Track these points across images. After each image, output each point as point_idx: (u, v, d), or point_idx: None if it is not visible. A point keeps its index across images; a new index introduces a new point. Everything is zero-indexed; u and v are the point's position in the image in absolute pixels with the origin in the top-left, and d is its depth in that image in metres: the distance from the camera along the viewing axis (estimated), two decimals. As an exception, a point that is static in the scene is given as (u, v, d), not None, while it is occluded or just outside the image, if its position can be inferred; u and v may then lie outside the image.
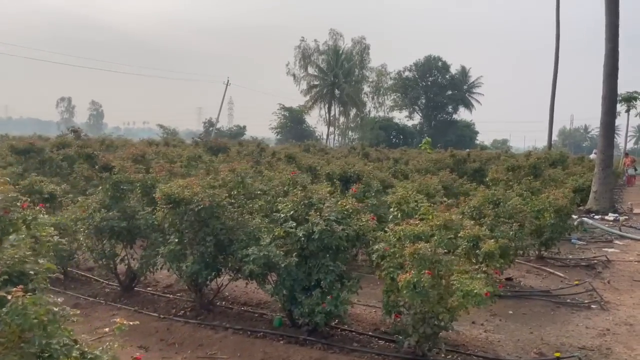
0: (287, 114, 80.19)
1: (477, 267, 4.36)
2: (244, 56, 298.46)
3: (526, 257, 9.25)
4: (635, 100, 29.60)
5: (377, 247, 4.64)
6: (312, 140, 46.57)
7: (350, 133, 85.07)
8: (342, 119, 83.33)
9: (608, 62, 15.40)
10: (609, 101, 15.59)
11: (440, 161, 18.20)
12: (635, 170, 28.08)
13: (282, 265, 4.77)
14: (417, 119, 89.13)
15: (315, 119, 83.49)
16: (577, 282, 7.40)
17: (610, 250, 10.39)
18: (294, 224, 4.96)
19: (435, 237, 4.51)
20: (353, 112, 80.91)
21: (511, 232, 6.79)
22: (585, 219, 13.30)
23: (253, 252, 4.83)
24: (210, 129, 67.35)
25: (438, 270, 4.25)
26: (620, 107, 30.81)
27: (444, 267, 4.26)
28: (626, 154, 31.27)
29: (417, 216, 5.04)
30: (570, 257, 9.66)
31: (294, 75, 76.32)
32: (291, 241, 4.95)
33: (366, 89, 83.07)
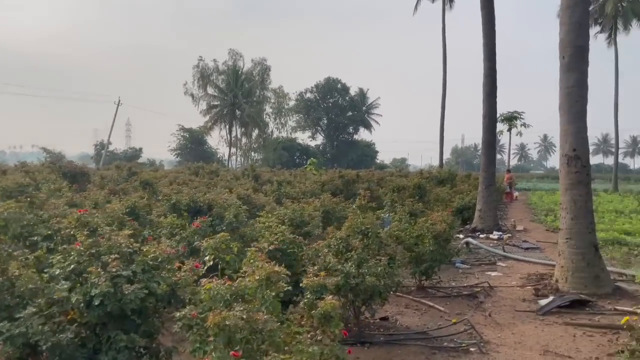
0: (187, 135, 77.36)
1: (311, 334, 3.25)
2: (142, 76, 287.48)
3: (407, 288, 8.46)
4: (516, 120, 31.14)
5: (181, 313, 3.38)
6: (213, 163, 44.59)
7: (253, 154, 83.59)
8: (244, 140, 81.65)
9: (487, 82, 15.53)
10: (489, 119, 15.70)
11: (329, 182, 17.45)
12: (510, 187, 29.44)
13: (48, 344, 3.36)
14: (319, 139, 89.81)
15: (217, 140, 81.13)
16: (454, 321, 6.61)
17: (493, 274, 9.92)
18: (67, 286, 3.58)
19: (258, 296, 3.35)
20: (255, 132, 79.66)
21: (380, 268, 5.87)
22: (470, 239, 12.98)
23: (6, 329, 3.38)
24: (102, 151, 62.99)
25: (257, 345, 3.08)
26: (503, 127, 32.37)
27: (267, 340, 3.10)
28: (507, 171, 32.82)
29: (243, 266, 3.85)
30: (454, 284, 9.01)
31: (192, 95, 73.75)
32: (64, 309, 3.56)
33: (268, 109, 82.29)
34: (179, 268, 4.19)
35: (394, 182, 17.20)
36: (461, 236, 14.31)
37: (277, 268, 3.40)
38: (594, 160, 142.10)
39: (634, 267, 10.36)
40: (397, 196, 13.88)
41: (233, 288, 3.38)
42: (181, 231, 6.16)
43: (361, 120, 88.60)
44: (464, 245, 12.46)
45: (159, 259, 3.90)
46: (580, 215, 8.29)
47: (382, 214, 11.79)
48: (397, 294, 7.92)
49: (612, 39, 39.07)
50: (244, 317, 3.08)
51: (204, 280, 3.53)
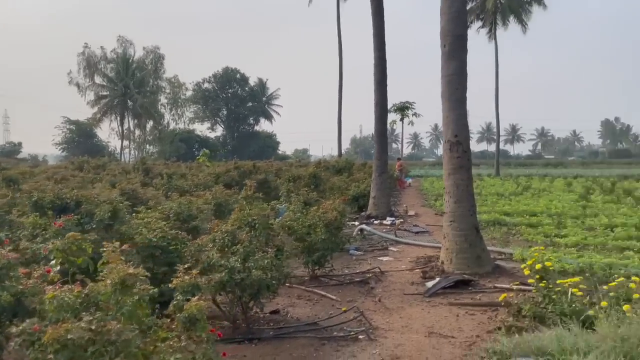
0: (74, 128, 72.12)
1: (174, 340, 2.93)
2: (23, 65, 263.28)
3: (300, 279, 8.34)
4: (407, 110, 32.39)
5: (19, 327, 2.89)
6: (103, 157, 41.73)
7: (148, 147, 79.70)
8: (137, 132, 77.60)
9: (377, 71, 15.85)
10: (381, 108, 16.06)
11: (224, 174, 16.94)
12: (401, 174, 30.86)
13: None
14: (219, 130, 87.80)
15: (108, 133, 76.56)
16: (344, 309, 6.56)
17: (385, 259, 10.12)
18: None
19: (112, 302, 2.96)
20: (150, 124, 76.02)
21: (266, 261, 5.64)
22: (364, 226, 13.20)
23: None
24: (-27, 147, 56.84)
25: (111, 358, 2.70)
26: (396, 116, 33.58)
27: (122, 351, 2.73)
28: (398, 159, 34.21)
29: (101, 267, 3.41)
30: (347, 271, 9.04)
31: (77, 84, 68.74)
32: None
33: (163, 100, 78.82)
34: (28, 274, 3.65)
35: (290, 172, 17.08)
36: (356, 223, 14.54)
37: (132, 270, 3.02)
38: (480, 147, 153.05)
39: (511, 245, 11.08)
40: (293, 186, 13.76)
41: (83, 295, 2.96)
42: (43, 232, 5.49)
43: (262, 111, 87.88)
44: (359, 232, 12.64)
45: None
46: (462, 198, 8.64)
47: (277, 205, 11.58)
48: (290, 285, 7.77)
49: (492, 34, 41.94)
50: (93, 327, 2.69)
51: (49, 287, 3.07)
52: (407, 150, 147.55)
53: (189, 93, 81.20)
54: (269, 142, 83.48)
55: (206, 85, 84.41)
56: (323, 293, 7.50)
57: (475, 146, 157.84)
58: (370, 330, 5.92)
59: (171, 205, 8.37)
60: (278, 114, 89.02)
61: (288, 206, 10.10)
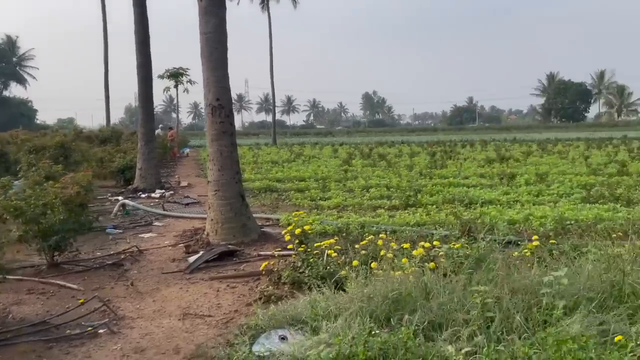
0: None
1: None
2: None
3: (36, 268, 6.95)
4: (182, 76, 30.86)
5: None
6: None
7: None
8: None
9: (138, 29, 14.37)
10: (144, 70, 14.67)
11: (-56, 146, 13.62)
12: (174, 143, 29.81)
13: None
14: (-46, 95, 72.93)
15: None
16: (82, 301, 5.55)
17: (147, 235, 9.19)
18: None
19: None
20: None
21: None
22: (127, 201, 11.93)
23: None
24: None
25: None
26: (170, 83, 31.72)
27: None
28: (169, 128, 32.78)
29: None
30: (99, 254, 7.89)
31: None
32: None
33: None
34: None
35: (32, 141, 14.58)
36: (120, 198, 13.14)
37: None
38: (259, 117, 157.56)
39: (280, 211, 11.16)
40: (35, 158, 11.67)
41: None
42: None
43: (12, 73, 75.46)
44: (121, 208, 11.36)
45: None
46: (226, 166, 8.19)
47: (14, 181, 9.65)
48: (20, 278, 6.39)
49: (265, 4, 42.50)
50: None
51: None
52: (187, 119, 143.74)
53: None
54: (24, 110, 72.40)
55: None
56: (62, 283, 6.31)
57: (255, 117, 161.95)
58: (115, 322, 5.07)
59: None
60: (34, 77, 77.54)
61: (25, 182, 8.40)
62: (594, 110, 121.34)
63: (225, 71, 8.25)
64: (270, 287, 5.78)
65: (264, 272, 6.18)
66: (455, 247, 5.36)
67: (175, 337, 4.70)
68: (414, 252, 5.57)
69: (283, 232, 6.63)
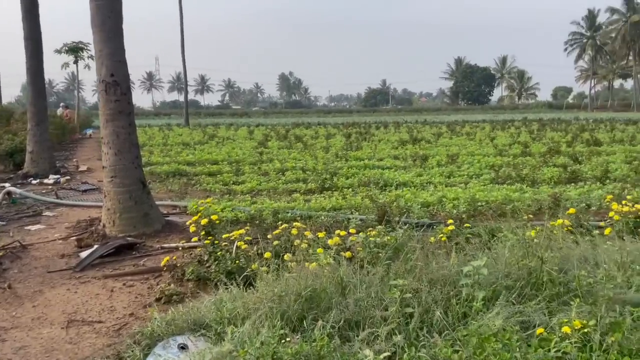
0: None
1: None
2: None
3: None
4: (82, 51, 28.52)
5: None
6: None
7: None
8: None
9: (24, -5, 12.79)
10: (33, 42, 13.14)
11: None
12: (71, 123, 27.79)
13: None
14: None
15: None
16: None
17: (34, 227, 8.17)
18: None
19: None
20: None
21: None
22: (13, 188, 10.65)
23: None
24: None
25: None
26: (69, 58, 29.26)
27: None
28: (65, 107, 30.45)
29: None
30: (-26, 251, 6.85)
31: None
32: None
33: None
34: None
35: None
36: (7, 185, 11.75)
37: None
38: (171, 97, 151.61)
39: (189, 197, 10.45)
40: None
41: None
42: None
43: None
44: (6, 196, 10.11)
45: None
46: (124, 149, 7.40)
47: None
48: None
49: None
50: None
51: None
52: (92, 98, 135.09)
53: None
54: None
55: None
56: None
57: (167, 96, 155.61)
58: (-20, 336, 4.30)
59: None
60: None
61: None
62: (497, 93, 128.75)
63: (120, 43, 7.39)
64: (172, 285, 5.21)
65: (165, 268, 5.60)
66: (371, 234, 5.07)
67: (55, 351, 4.03)
68: (330, 242, 5.23)
69: (188, 223, 6.04)
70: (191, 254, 5.89)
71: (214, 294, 4.51)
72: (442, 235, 5.70)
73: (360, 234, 5.44)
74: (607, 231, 5.77)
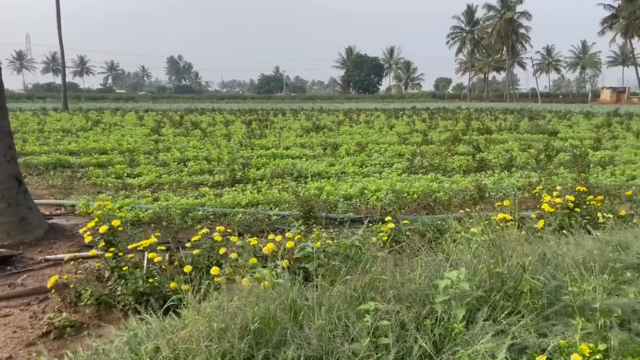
0: None
1: None
2: None
3: None
4: None
5: None
6: None
7: None
8: None
9: None
10: None
11: None
12: None
13: None
14: None
15: None
16: None
17: None
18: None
19: None
20: None
21: None
22: None
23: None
24: None
25: None
26: None
27: None
28: None
29: None
30: None
31: None
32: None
33: None
34: None
35: None
36: None
37: None
38: (46, 79, 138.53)
39: (76, 193, 9.00)
40: None
41: None
42: None
43: None
44: None
45: None
46: (-8, 139, 5.95)
47: None
48: None
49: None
50: None
51: None
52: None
53: None
54: None
55: None
56: None
57: (41, 78, 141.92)
58: None
59: None
60: None
61: None
62: (385, 83, 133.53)
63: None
64: (64, 312, 4.11)
65: (53, 289, 4.45)
66: (314, 240, 4.36)
67: None
68: (265, 249, 4.45)
69: (82, 231, 4.89)
70: (86, 268, 4.77)
71: (123, 325, 3.54)
72: (382, 234, 5.16)
73: (297, 237, 4.72)
74: (540, 224, 5.60)
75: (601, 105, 71.78)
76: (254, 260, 4.31)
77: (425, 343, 2.90)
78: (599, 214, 5.90)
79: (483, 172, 10.96)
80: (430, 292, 3.40)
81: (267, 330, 3.05)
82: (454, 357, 2.84)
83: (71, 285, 4.38)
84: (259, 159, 12.37)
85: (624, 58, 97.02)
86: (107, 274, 4.45)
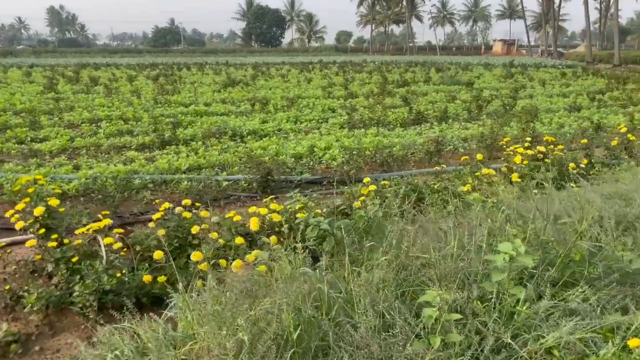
0: None
1: None
2: None
3: None
4: None
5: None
6: None
7: None
8: None
9: None
10: None
11: None
12: None
13: None
14: None
15: None
16: None
17: None
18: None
19: None
20: None
21: None
22: None
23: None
24: None
25: None
26: None
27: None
28: None
29: None
30: None
31: None
32: None
33: None
34: None
35: None
36: None
37: None
38: None
39: (-30, 164, 7.48)
40: None
41: None
42: None
43: None
44: None
45: None
46: None
47: None
48: None
49: None
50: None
51: None
52: None
53: None
54: None
55: None
56: None
57: None
58: None
59: None
60: None
61: None
62: (288, 36, 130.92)
63: None
64: (4, 322, 3.17)
65: (-21, 293, 3.45)
66: (315, 215, 3.73)
67: None
68: (252, 226, 3.76)
69: (8, 214, 3.82)
70: (19, 261, 3.77)
71: (84, 333, 2.73)
72: (362, 197, 4.65)
73: (290, 207, 4.06)
74: (514, 177, 5.40)
75: (494, 57, 75.67)
76: (239, 239, 3.61)
77: (500, 332, 2.44)
78: (571, 165, 5.79)
79: (421, 125, 10.74)
80: (472, 270, 2.94)
81: (304, 336, 2.42)
82: (534, 345, 2.40)
83: (7, 285, 3.41)
84: (184, 117, 11.22)
85: (511, 12, 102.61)
86: (50, 268, 3.52)
